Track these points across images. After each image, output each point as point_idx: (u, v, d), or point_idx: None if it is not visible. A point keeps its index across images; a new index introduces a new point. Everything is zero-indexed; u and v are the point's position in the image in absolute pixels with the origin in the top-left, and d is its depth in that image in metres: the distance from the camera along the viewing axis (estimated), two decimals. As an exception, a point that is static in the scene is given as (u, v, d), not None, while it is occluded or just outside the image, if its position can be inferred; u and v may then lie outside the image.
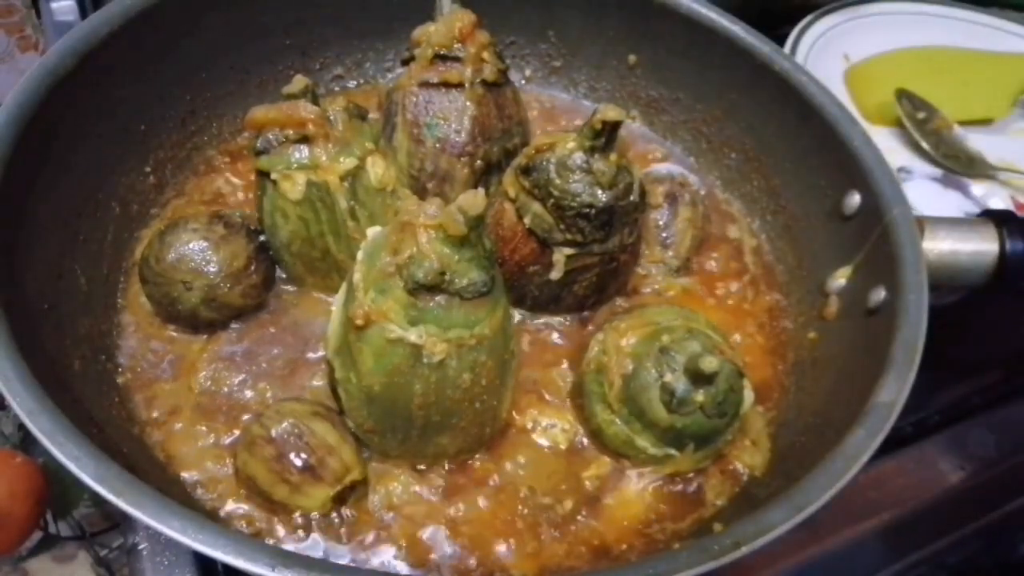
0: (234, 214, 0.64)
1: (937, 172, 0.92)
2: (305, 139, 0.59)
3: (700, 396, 0.54)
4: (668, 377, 0.54)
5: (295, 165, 0.59)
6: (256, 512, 0.54)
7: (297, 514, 0.54)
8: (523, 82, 0.86)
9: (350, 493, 0.55)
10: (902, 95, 0.99)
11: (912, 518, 0.70)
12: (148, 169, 0.70)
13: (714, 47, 0.76)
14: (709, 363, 0.52)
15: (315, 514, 0.54)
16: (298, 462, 0.53)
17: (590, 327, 0.66)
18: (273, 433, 0.53)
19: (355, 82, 0.84)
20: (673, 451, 0.57)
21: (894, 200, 0.61)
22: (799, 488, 0.47)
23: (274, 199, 0.61)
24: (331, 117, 0.60)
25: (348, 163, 0.60)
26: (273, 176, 0.60)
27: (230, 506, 0.55)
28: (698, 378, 0.53)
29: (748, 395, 0.57)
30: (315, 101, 0.60)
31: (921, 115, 0.97)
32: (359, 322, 0.50)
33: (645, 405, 0.55)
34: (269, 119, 0.59)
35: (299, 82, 0.60)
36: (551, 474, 0.59)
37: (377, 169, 0.61)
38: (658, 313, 0.60)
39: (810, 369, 0.65)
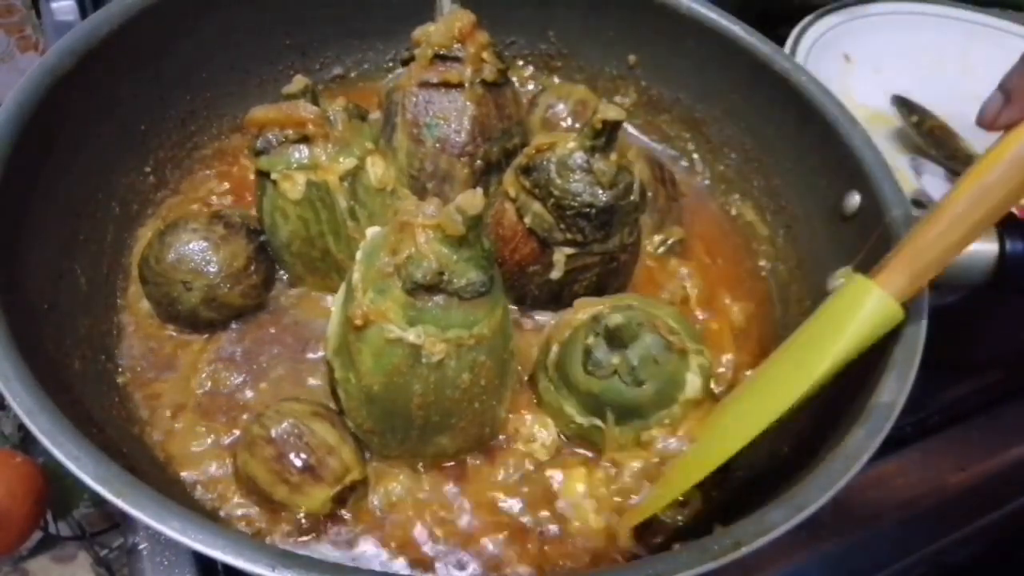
0: (234, 214, 0.64)
1: (941, 171, 0.92)
2: (305, 139, 0.59)
3: (615, 359, 0.55)
4: (590, 340, 0.56)
5: (295, 165, 0.59)
6: (256, 512, 0.54)
7: (298, 514, 0.54)
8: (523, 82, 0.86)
9: (350, 493, 0.55)
10: (897, 99, 0.99)
11: (912, 518, 0.70)
12: (148, 169, 0.70)
13: (714, 47, 0.76)
14: (613, 319, 0.53)
15: (315, 514, 0.54)
16: (298, 462, 0.53)
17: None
18: (273, 433, 0.53)
19: (355, 82, 0.84)
20: (597, 421, 0.57)
21: (894, 200, 0.61)
22: (799, 488, 0.47)
23: (274, 199, 0.61)
24: (331, 117, 0.60)
25: (348, 163, 0.60)
26: (273, 176, 0.60)
27: (230, 506, 0.55)
28: (613, 340, 0.54)
29: (694, 382, 0.57)
30: (315, 101, 0.60)
31: (915, 118, 0.97)
32: (358, 322, 0.50)
33: (569, 369, 0.57)
34: (269, 119, 0.59)
35: (299, 82, 0.60)
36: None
37: (377, 169, 0.61)
38: (620, 298, 0.61)
39: (810, 369, 0.65)
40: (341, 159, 0.60)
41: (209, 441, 0.58)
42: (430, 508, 0.56)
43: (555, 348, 0.58)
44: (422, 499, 0.56)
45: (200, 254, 0.60)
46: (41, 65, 0.59)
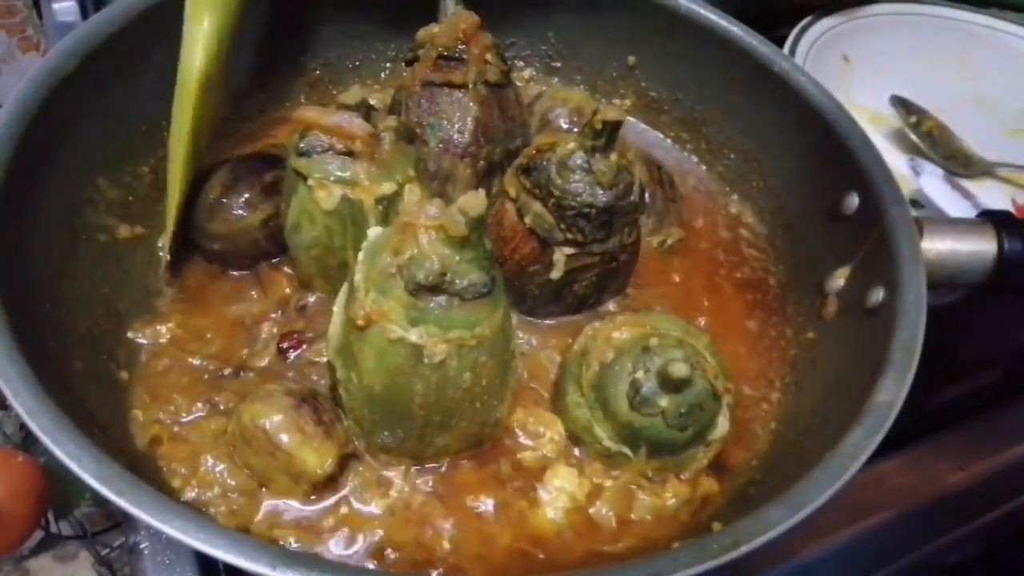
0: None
1: (940, 171, 0.92)
2: (350, 153, 0.59)
3: (664, 401, 0.54)
4: (639, 375, 0.55)
5: (333, 177, 0.59)
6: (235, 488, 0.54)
7: (297, 474, 0.53)
8: (523, 83, 0.86)
9: (346, 465, 0.56)
10: (895, 100, 0.99)
11: (911, 518, 0.70)
12: (148, 169, 0.70)
13: (714, 47, 0.76)
14: (679, 369, 0.52)
15: (312, 474, 0.54)
16: (314, 416, 0.54)
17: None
18: (292, 387, 0.55)
19: (356, 83, 0.84)
20: (627, 450, 0.57)
21: (892, 201, 0.62)
22: (798, 487, 0.47)
23: (304, 201, 0.60)
24: (380, 136, 0.59)
25: (387, 188, 0.59)
26: (310, 182, 0.59)
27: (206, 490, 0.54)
28: (666, 383, 0.53)
29: (723, 424, 0.57)
30: (367, 116, 0.60)
31: (913, 119, 0.98)
32: (360, 322, 0.50)
33: (611, 396, 0.56)
34: (318, 124, 0.59)
35: (355, 93, 0.60)
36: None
37: (412, 196, 0.60)
38: (661, 320, 0.60)
39: (809, 369, 0.65)
40: (382, 183, 0.59)
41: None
42: (429, 507, 0.56)
43: (595, 366, 0.57)
44: (421, 499, 0.56)
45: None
46: (42, 66, 0.59)
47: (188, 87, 0.61)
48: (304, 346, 0.62)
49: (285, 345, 0.62)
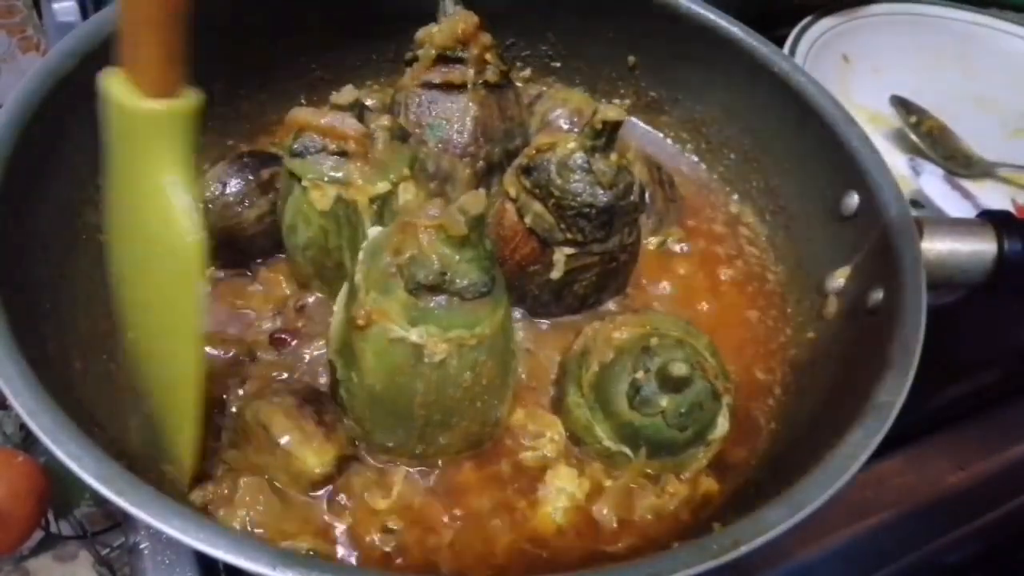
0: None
1: (940, 171, 0.92)
2: (344, 153, 0.59)
3: (664, 401, 0.54)
4: (639, 375, 0.55)
5: (327, 178, 0.59)
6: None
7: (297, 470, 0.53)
8: (523, 83, 0.86)
9: (345, 467, 0.55)
10: (895, 100, 0.99)
11: (911, 518, 0.70)
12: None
13: (713, 47, 0.76)
14: (678, 369, 0.52)
15: (310, 473, 0.53)
16: (315, 416, 0.54)
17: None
18: (294, 387, 0.55)
19: (355, 84, 0.84)
20: (627, 450, 0.57)
21: (892, 200, 0.62)
22: (798, 487, 0.47)
23: (299, 203, 0.60)
24: (374, 135, 0.59)
25: (381, 187, 0.59)
26: (304, 183, 0.59)
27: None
28: (666, 382, 0.53)
29: (723, 424, 0.57)
30: (361, 116, 0.60)
31: (913, 119, 0.98)
32: (360, 322, 0.50)
33: (611, 396, 0.56)
34: (311, 125, 0.59)
35: (348, 94, 0.59)
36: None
37: (408, 195, 0.61)
38: (661, 320, 0.60)
39: (809, 369, 0.65)
40: (376, 182, 0.59)
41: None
42: (429, 507, 0.56)
43: (595, 366, 0.57)
44: (420, 499, 0.56)
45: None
46: (42, 66, 0.59)
47: (186, 268, 0.45)
48: (300, 342, 0.63)
49: (283, 338, 0.62)
